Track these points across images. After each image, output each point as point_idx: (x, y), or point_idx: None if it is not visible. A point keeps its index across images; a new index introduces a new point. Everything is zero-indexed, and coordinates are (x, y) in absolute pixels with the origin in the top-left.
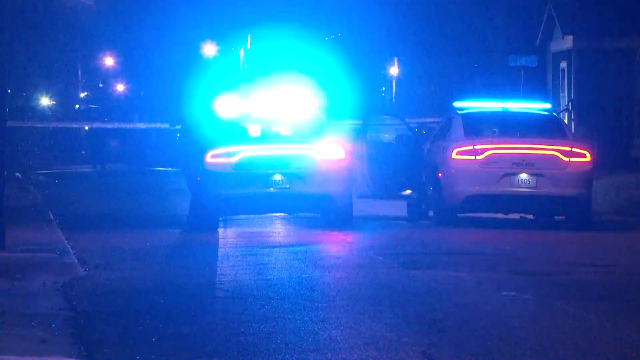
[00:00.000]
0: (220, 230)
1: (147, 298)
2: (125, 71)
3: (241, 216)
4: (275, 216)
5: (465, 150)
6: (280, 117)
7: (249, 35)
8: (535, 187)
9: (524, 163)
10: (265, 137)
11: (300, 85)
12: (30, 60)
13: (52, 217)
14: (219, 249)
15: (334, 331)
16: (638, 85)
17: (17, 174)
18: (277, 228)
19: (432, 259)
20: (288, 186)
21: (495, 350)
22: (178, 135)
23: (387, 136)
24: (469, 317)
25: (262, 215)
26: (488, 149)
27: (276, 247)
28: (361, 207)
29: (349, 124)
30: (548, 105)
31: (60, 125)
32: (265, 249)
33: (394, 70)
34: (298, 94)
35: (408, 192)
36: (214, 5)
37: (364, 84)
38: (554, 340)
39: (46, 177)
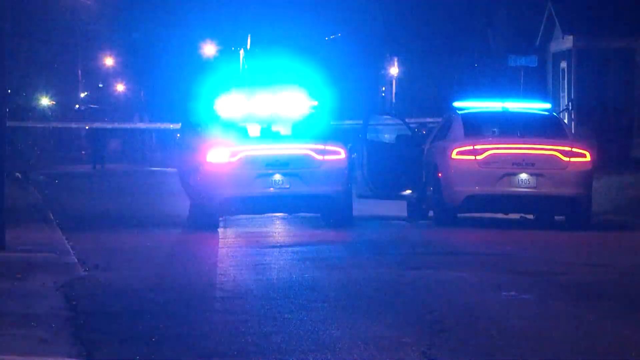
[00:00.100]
0: (220, 230)
1: (147, 298)
2: (125, 71)
3: (241, 216)
4: (275, 216)
5: (465, 150)
6: (280, 117)
7: (249, 35)
8: (535, 187)
9: (524, 163)
10: (265, 137)
11: (300, 85)
12: (30, 60)
13: (52, 217)
14: (219, 249)
15: (334, 331)
16: (638, 85)
17: (17, 174)
18: (277, 228)
19: (432, 259)
20: (288, 186)
21: (495, 350)
22: (178, 135)
23: (387, 136)
24: (469, 317)
25: (262, 215)
26: (488, 149)
27: (276, 247)
28: (361, 207)
29: (349, 124)
30: (548, 105)
31: (60, 125)
32: (265, 249)
33: (394, 70)
34: (298, 94)
35: (408, 192)
36: (214, 5)
37: (364, 84)
38: (554, 340)
39: (46, 177)
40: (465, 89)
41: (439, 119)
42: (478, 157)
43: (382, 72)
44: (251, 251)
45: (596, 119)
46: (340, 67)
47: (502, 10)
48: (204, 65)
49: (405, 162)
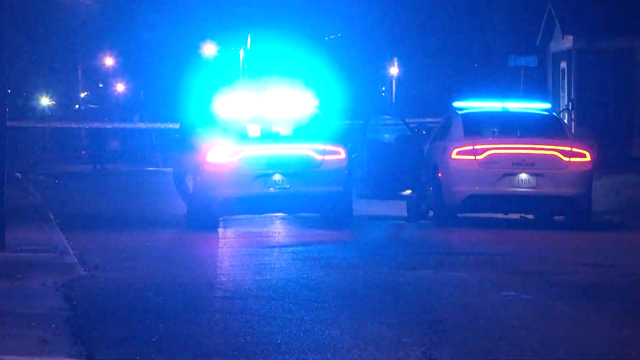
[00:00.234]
0: (220, 230)
1: (147, 298)
2: (125, 71)
3: (241, 216)
4: (275, 216)
5: (465, 150)
6: (280, 117)
7: (249, 35)
8: (535, 187)
9: (524, 163)
10: (265, 137)
11: (299, 85)
12: (30, 60)
13: (52, 217)
14: (219, 249)
15: (334, 331)
16: (638, 85)
17: (17, 174)
18: (277, 228)
19: (432, 259)
20: (288, 186)
21: (495, 350)
22: (177, 135)
23: (387, 136)
24: (469, 317)
25: (262, 215)
26: (488, 149)
27: (276, 247)
28: (361, 207)
29: (349, 124)
30: (548, 105)
31: (60, 125)
32: (265, 249)
33: (394, 70)
34: (297, 94)
35: (408, 192)
36: (214, 5)
37: (364, 84)
38: (554, 340)
39: (46, 177)
40: (465, 89)
41: (439, 119)
42: (478, 157)
43: (382, 72)
44: (251, 251)
45: (596, 119)
46: (340, 67)
47: (502, 10)
48: (203, 65)
49: (405, 162)
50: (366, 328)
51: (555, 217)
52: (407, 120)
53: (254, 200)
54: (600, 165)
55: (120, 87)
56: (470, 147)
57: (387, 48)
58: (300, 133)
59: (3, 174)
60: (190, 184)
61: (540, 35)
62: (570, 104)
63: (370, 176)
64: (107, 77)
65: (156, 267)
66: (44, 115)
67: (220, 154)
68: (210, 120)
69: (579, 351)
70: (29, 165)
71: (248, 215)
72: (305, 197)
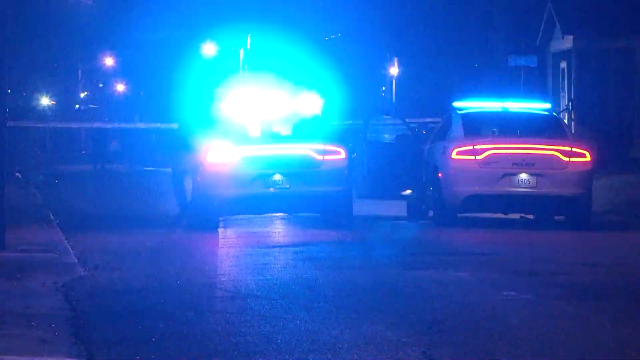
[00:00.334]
0: (220, 230)
1: (147, 298)
2: (125, 71)
3: (241, 216)
4: (275, 216)
5: (465, 150)
6: (279, 117)
7: (249, 35)
8: (535, 187)
9: (523, 163)
10: (265, 137)
11: (299, 85)
12: (30, 61)
13: (52, 217)
14: (219, 249)
15: (334, 331)
16: (638, 86)
17: (17, 174)
18: (277, 228)
19: (432, 259)
20: (288, 186)
21: (495, 350)
22: (176, 135)
23: (387, 136)
24: (469, 317)
25: (262, 215)
26: (488, 149)
27: (276, 247)
28: (361, 207)
29: (349, 124)
30: (548, 105)
31: (60, 125)
32: (265, 249)
33: (394, 70)
34: (296, 94)
35: (408, 192)
36: (214, 5)
37: (364, 84)
38: (554, 340)
39: (46, 177)
40: (465, 89)
41: (439, 119)
42: (478, 157)
43: (382, 72)
44: (251, 251)
45: (596, 119)
46: (340, 67)
47: (502, 10)
48: (203, 65)
49: (405, 162)
50: (366, 328)
51: (555, 217)
52: (407, 120)
53: (254, 200)
54: (600, 165)
55: (120, 87)
56: (470, 147)
57: (387, 48)
58: (300, 133)
59: (3, 174)
60: (188, 184)
61: (540, 35)
62: (570, 104)
63: (370, 176)
64: (107, 77)
65: (156, 267)
66: (44, 115)
67: (220, 154)
68: (210, 120)
69: (579, 351)
70: (29, 165)
71: (248, 215)
72: (305, 197)
